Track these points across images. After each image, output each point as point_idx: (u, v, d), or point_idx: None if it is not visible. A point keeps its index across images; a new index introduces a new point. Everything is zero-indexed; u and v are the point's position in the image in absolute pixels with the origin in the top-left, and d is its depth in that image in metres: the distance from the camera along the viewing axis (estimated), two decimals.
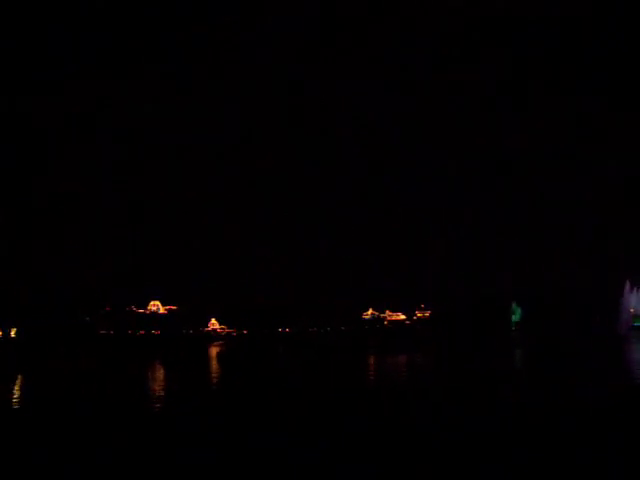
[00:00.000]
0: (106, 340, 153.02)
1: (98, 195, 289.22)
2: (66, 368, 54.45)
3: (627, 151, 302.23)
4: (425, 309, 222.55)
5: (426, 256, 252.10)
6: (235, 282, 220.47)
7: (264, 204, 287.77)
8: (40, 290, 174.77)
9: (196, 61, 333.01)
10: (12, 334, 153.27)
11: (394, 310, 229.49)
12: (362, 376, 37.57)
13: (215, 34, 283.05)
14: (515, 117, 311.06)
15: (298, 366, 50.28)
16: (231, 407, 23.19)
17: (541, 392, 25.70)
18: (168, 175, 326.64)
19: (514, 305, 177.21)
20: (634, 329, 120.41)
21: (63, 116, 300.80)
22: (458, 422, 17.79)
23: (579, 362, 46.63)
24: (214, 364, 55.53)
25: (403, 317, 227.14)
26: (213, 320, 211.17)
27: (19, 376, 44.80)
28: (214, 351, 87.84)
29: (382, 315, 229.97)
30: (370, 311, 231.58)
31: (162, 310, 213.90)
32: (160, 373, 45.63)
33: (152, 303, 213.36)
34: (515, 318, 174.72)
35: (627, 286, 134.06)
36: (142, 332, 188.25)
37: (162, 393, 28.90)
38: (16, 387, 34.53)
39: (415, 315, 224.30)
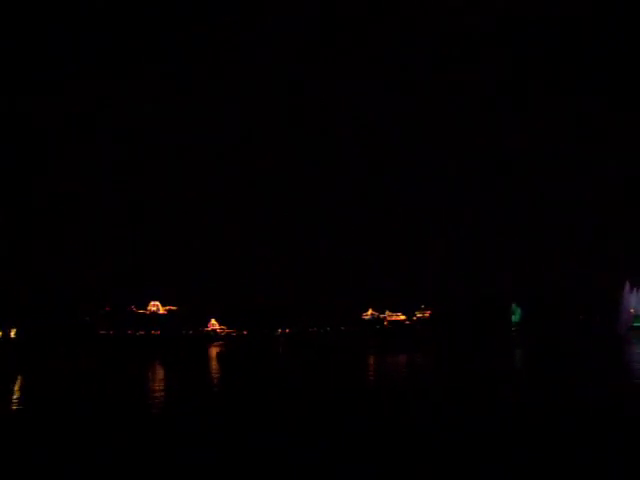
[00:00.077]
0: (106, 340, 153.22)
1: (98, 195, 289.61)
2: (66, 368, 54.46)
3: (627, 151, 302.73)
4: (425, 309, 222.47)
5: (426, 256, 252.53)
6: (235, 282, 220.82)
7: (264, 204, 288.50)
8: (40, 290, 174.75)
9: (196, 61, 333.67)
10: (12, 334, 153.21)
11: (394, 310, 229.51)
12: (362, 376, 37.55)
13: (215, 34, 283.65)
14: (515, 117, 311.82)
15: (298, 366, 50.26)
16: (231, 407, 23.17)
17: (541, 392, 25.66)
18: (168, 175, 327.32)
19: (514, 305, 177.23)
20: (634, 329, 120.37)
21: (63, 116, 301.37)
22: (458, 422, 17.77)
23: (579, 362, 46.58)
24: (214, 364, 55.51)
25: (403, 317, 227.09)
26: (213, 320, 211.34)
27: (19, 376, 44.83)
28: (214, 351, 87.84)
29: (382, 315, 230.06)
30: (370, 311, 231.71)
31: (162, 310, 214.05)
32: (160, 373, 45.63)
33: (152, 303, 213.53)
34: (515, 318, 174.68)
35: (627, 286, 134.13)
36: (142, 332, 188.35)
37: (162, 393, 28.89)
38: (16, 387, 34.54)
39: (415, 315, 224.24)
